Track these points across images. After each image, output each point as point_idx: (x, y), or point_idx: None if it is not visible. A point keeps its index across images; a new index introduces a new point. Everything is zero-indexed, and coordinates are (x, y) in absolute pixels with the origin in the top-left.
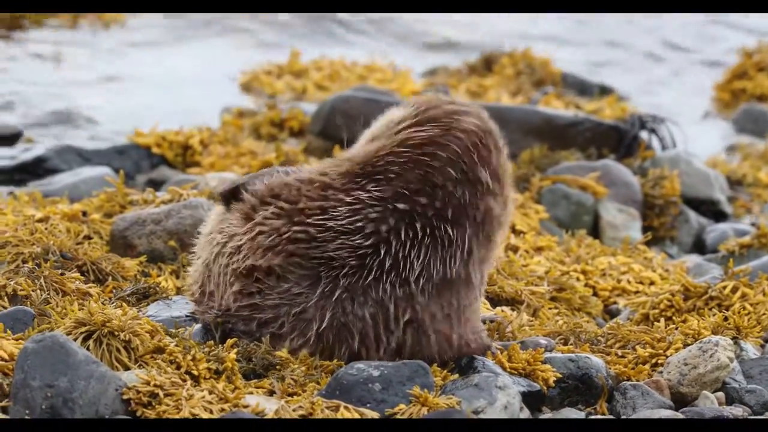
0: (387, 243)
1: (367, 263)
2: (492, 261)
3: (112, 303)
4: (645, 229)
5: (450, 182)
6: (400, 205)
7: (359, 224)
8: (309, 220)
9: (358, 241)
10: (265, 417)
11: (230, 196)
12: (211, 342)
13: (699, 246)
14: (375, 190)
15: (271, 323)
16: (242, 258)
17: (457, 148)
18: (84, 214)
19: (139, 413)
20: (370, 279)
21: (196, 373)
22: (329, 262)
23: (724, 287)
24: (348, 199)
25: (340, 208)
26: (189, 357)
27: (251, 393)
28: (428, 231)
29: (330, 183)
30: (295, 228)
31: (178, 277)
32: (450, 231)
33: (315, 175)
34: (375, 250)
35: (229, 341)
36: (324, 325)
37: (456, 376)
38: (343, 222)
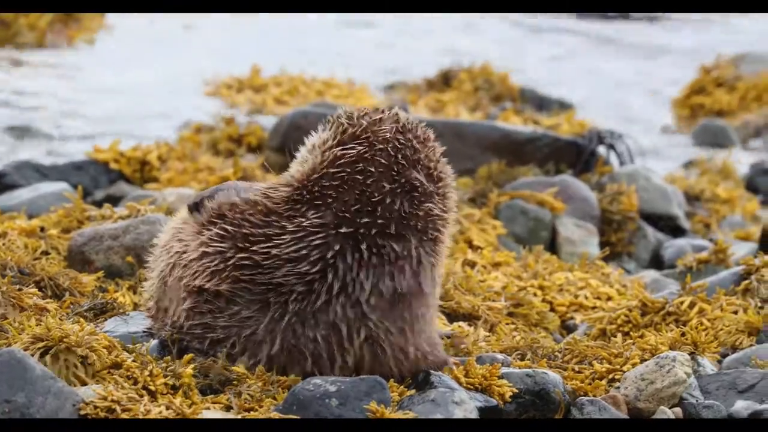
0: (334, 267)
1: (316, 288)
2: (443, 262)
3: (70, 319)
4: (602, 245)
5: (387, 195)
6: (343, 229)
7: (304, 252)
8: (254, 248)
9: (304, 268)
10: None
11: (196, 209)
12: (168, 357)
13: (656, 261)
14: (315, 218)
15: (223, 342)
16: (192, 275)
17: (383, 159)
18: (42, 229)
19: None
20: (319, 303)
21: (153, 388)
22: (277, 288)
23: (682, 303)
24: (291, 227)
25: (283, 236)
26: (146, 372)
27: (208, 408)
28: (374, 250)
29: (273, 208)
30: (240, 255)
31: (135, 293)
32: (395, 246)
33: (260, 197)
34: (322, 276)
35: (186, 357)
36: (275, 347)
37: (413, 391)
38: (288, 250)
